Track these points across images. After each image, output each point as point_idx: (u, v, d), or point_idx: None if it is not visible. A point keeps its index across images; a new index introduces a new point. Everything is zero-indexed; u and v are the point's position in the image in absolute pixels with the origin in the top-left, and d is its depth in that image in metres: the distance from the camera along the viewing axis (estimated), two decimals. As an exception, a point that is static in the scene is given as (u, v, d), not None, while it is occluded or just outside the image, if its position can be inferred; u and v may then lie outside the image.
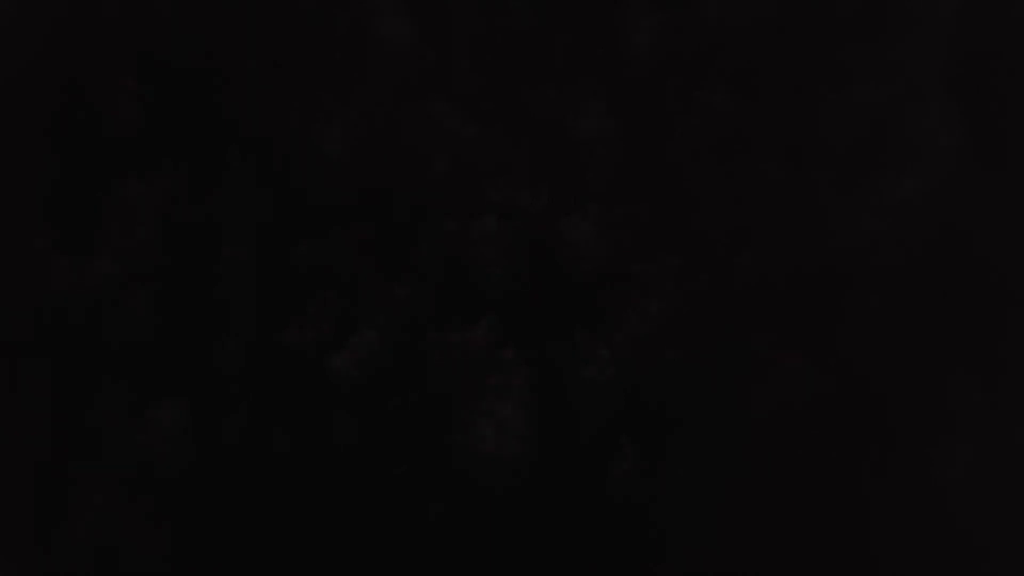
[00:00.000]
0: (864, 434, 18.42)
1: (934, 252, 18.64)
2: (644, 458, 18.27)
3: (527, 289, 19.56)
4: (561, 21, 19.72)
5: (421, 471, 18.09)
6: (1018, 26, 18.58)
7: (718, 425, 18.52)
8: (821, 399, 19.01)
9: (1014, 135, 18.42)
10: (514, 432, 18.61)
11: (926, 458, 17.86)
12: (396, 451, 18.17)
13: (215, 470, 17.52)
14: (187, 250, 19.02)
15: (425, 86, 19.58)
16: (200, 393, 18.28)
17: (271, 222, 19.15)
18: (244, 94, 19.36)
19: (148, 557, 17.56)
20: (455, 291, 19.48)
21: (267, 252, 19.24)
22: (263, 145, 19.33)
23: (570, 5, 19.44)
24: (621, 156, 19.62)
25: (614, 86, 19.41)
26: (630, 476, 18.19)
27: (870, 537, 17.54)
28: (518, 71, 19.53)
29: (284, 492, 17.53)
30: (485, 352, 19.30)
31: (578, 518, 17.79)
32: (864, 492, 17.88)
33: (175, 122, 19.32)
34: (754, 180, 19.57)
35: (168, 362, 18.43)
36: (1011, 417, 18.30)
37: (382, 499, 17.75)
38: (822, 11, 19.43)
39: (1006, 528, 17.32)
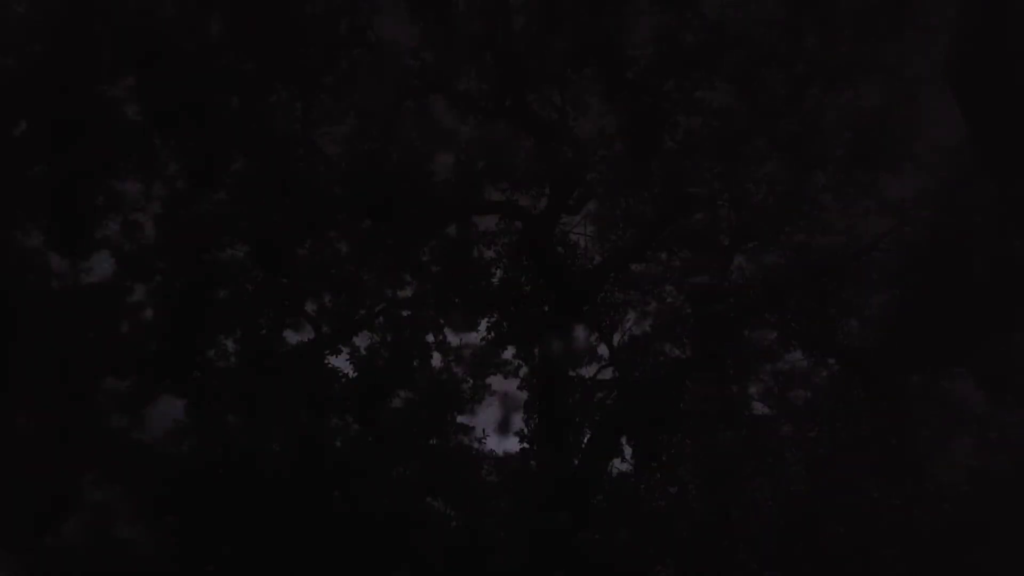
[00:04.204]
0: (864, 433, 18.44)
1: (934, 252, 18.61)
2: (643, 458, 18.27)
3: (527, 289, 19.57)
4: (561, 21, 19.72)
5: (421, 471, 18.10)
6: (1019, 26, 18.59)
7: (717, 425, 18.53)
8: (821, 398, 19.03)
9: (1014, 135, 18.42)
10: (514, 432, 18.64)
11: (926, 457, 17.86)
12: (395, 451, 18.18)
13: (215, 470, 17.52)
14: (187, 250, 19.00)
15: (425, 86, 19.57)
16: (200, 393, 18.27)
17: (271, 222, 19.15)
18: (244, 94, 19.35)
19: (148, 556, 17.57)
20: (455, 291, 19.48)
21: (267, 252, 19.24)
22: (263, 145, 19.32)
23: (570, 5, 19.43)
24: (621, 156, 19.61)
25: (614, 86, 19.39)
26: (630, 475, 18.20)
27: (870, 537, 17.56)
28: (518, 71, 19.51)
29: (284, 491, 17.54)
30: (485, 352, 19.32)
31: (578, 517, 17.79)
32: (864, 491, 17.89)
33: (175, 122, 19.30)
34: (754, 180, 19.57)
35: (168, 362, 18.42)
36: (1011, 417, 18.29)
37: (382, 498, 17.76)
38: (822, 11, 19.41)
39: (1007, 529, 17.32)
